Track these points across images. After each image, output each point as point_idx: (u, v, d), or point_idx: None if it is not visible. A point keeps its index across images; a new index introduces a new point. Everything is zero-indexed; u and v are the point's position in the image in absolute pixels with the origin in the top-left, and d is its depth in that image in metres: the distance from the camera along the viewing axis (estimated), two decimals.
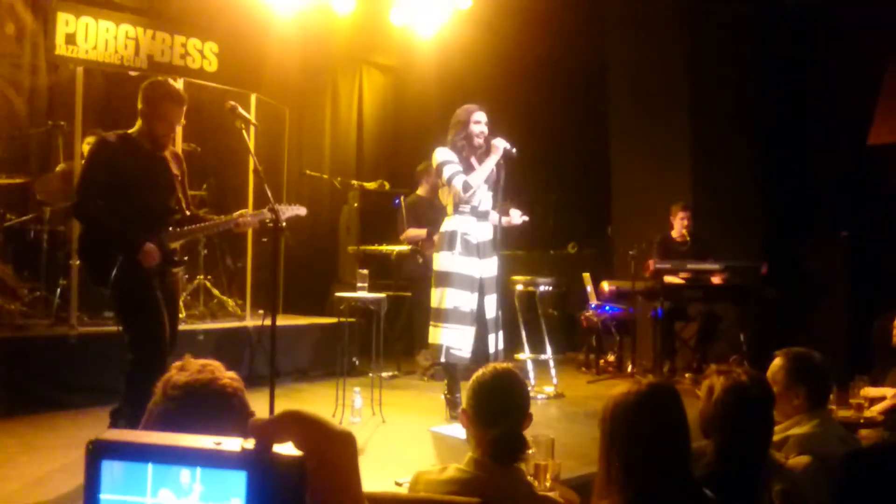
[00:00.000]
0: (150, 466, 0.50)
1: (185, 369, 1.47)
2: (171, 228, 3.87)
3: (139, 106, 3.79)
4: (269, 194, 3.77)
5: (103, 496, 0.51)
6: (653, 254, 6.50)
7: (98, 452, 0.51)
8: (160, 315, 3.73)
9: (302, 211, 4.08)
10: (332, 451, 0.54)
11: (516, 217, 4.89)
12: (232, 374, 1.52)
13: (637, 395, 1.79)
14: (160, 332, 3.71)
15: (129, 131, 3.82)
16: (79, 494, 3.25)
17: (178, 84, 5.74)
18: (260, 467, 0.50)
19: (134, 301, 3.75)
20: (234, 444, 0.51)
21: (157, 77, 3.88)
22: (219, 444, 0.51)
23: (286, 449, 0.52)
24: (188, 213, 4.05)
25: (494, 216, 4.76)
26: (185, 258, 4.19)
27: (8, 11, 6.19)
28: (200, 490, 0.50)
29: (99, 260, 3.76)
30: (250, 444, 0.51)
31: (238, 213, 4.05)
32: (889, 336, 4.49)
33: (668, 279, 6.32)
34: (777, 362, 2.73)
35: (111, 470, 0.51)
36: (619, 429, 1.78)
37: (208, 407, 1.41)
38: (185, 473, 0.50)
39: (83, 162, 3.82)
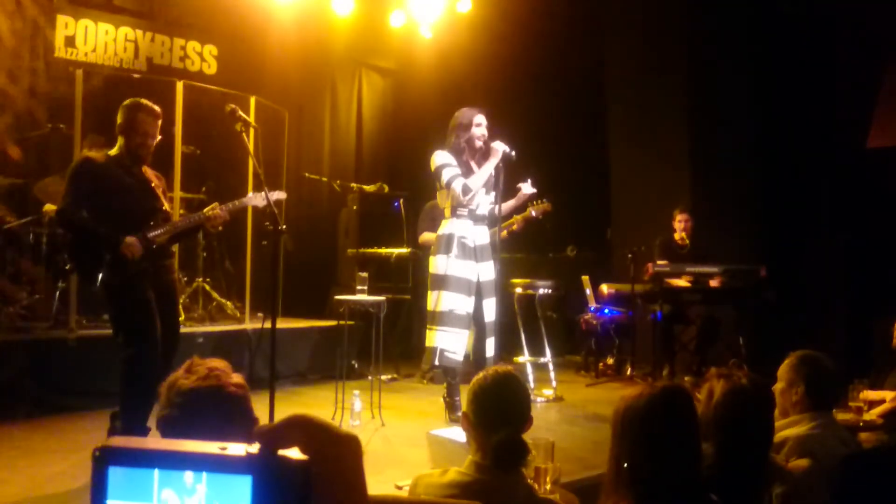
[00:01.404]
0: (156, 472, 0.51)
1: (193, 372, 1.46)
2: (151, 224, 3.94)
3: (118, 122, 3.93)
4: (269, 196, 3.79)
5: (110, 502, 0.51)
6: (654, 256, 6.50)
7: (105, 459, 0.51)
8: (150, 314, 3.77)
9: (282, 195, 4.17)
10: (338, 455, 0.54)
11: (527, 188, 4.88)
12: (238, 378, 1.52)
13: (650, 398, 1.78)
14: (150, 331, 3.74)
15: (111, 152, 3.96)
16: (77, 497, 3.25)
17: (178, 86, 5.79)
18: (265, 471, 0.50)
19: (123, 300, 3.81)
20: (239, 448, 0.51)
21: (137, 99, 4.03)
22: (224, 448, 0.51)
23: (292, 453, 0.52)
24: (172, 216, 4.17)
25: (495, 209, 4.73)
26: (173, 249, 4.24)
27: (7, 14, 6.20)
28: (204, 491, 0.50)
29: (87, 260, 3.83)
30: (255, 448, 0.51)
31: (209, 207, 4.11)
32: (889, 339, 4.49)
33: (672, 282, 6.32)
34: (787, 360, 2.79)
35: (117, 476, 0.51)
36: (630, 430, 1.77)
37: (212, 414, 1.41)
38: (188, 475, 0.50)
39: (67, 174, 3.94)
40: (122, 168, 3.93)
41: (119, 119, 3.93)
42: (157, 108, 3.98)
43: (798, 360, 2.75)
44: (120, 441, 0.52)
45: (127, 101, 3.97)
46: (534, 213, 5.34)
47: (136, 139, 3.91)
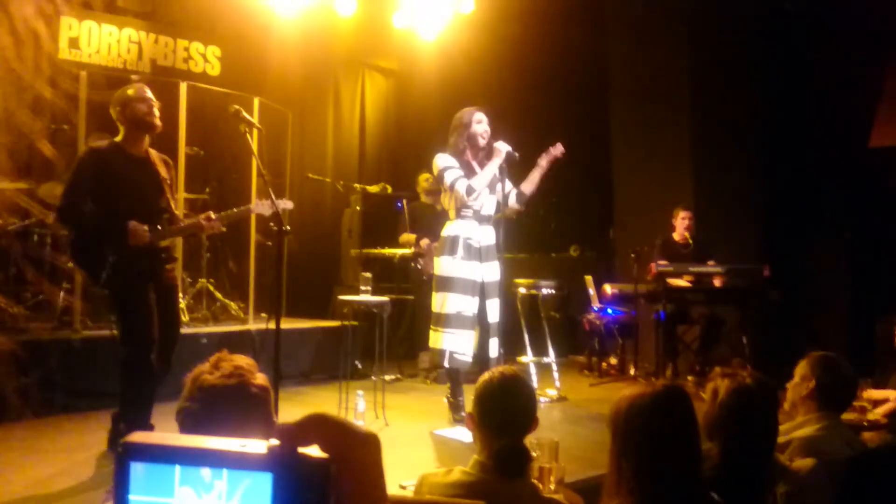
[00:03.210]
0: (177, 468, 0.51)
1: (218, 368, 1.47)
2: (159, 227, 3.94)
3: (114, 117, 3.92)
4: (273, 197, 3.79)
5: (132, 497, 0.51)
6: (654, 256, 6.50)
7: (127, 454, 0.51)
8: (148, 315, 3.79)
9: (288, 205, 4.13)
10: (358, 454, 0.55)
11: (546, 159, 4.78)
12: (262, 379, 1.53)
13: (651, 397, 1.79)
14: (147, 332, 3.76)
15: (116, 139, 3.93)
16: (80, 496, 3.26)
17: (182, 87, 5.80)
18: (286, 469, 0.51)
19: (123, 300, 3.82)
20: (259, 446, 0.52)
21: None
22: (244, 446, 0.52)
23: (312, 451, 0.52)
24: (177, 213, 4.17)
25: (513, 198, 4.73)
26: (176, 257, 4.26)
27: (10, 16, 6.20)
28: (223, 488, 0.51)
29: (90, 261, 3.84)
30: (275, 444, 0.52)
31: (203, 214, 4.11)
32: (891, 338, 4.49)
33: (673, 282, 6.32)
34: (805, 357, 2.84)
35: (139, 472, 0.51)
36: (630, 430, 1.77)
37: (232, 413, 1.42)
38: (206, 472, 0.51)
39: (72, 167, 3.94)
40: (128, 158, 3.89)
41: (114, 113, 3.90)
42: (139, 83, 3.99)
43: (815, 359, 2.77)
44: (142, 437, 0.52)
45: (118, 93, 3.96)
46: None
47: (139, 110, 3.86)
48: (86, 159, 3.86)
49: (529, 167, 4.87)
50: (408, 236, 6.54)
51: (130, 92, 3.89)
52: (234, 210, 4.26)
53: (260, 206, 4.06)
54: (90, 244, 3.81)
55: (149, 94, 3.93)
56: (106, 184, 3.79)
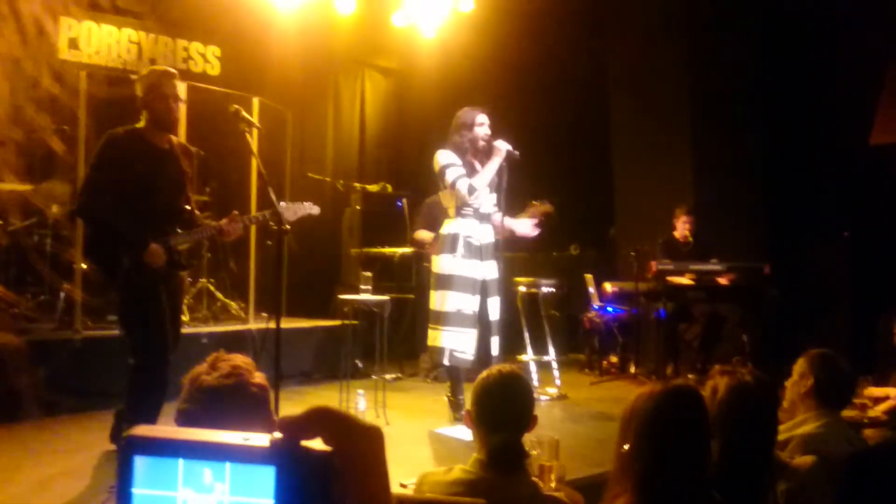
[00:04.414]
0: (180, 462, 0.51)
1: (216, 369, 1.47)
2: (178, 230, 3.86)
3: (139, 95, 3.80)
4: (273, 197, 3.78)
5: (135, 490, 0.52)
6: (656, 255, 6.51)
7: (131, 448, 0.52)
8: (163, 323, 3.71)
9: (315, 210, 4.02)
10: (361, 447, 0.55)
11: (525, 227, 4.95)
12: (260, 378, 1.52)
13: (662, 396, 1.79)
14: (163, 340, 3.69)
15: (137, 126, 3.81)
16: (82, 497, 3.26)
17: (181, 87, 5.79)
18: (289, 462, 0.51)
19: (138, 308, 3.72)
20: (262, 439, 0.52)
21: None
22: (247, 439, 0.52)
23: (315, 444, 0.53)
24: (196, 213, 4.08)
25: (498, 217, 4.77)
26: (194, 262, 4.20)
27: (9, 16, 6.19)
28: (224, 487, 0.51)
29: (105, 261, 3.76)
30: (278, 437, 0.52)
31: (225, 219, 4.02)
32: (892, 335, 4.49)
33: (675, 280, 6.32)
34: (803, 355, 2.84)
35: (143, 465, 0.52)
36: (640, 428, 1.78)
37: (231, 413, 1.42)
38: (207, 472, 0.51)
39: (92, 159, 3.81)
40: (150, 148, 3.77)
41: (140, 91, 3.79)
42: (172, 69, 3.92)
43: (813, 357, 2.78)
44: (146, 430, 0.52)
45: (145, 71, 3.89)
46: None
47: (161, 106, 3.77)
48: (105, 150, 3.71)
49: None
50: (422, 234, 6.39)
51: (154, 81, 3.78)
52: (258, 214, 4.19)
53: (284, 211, 3.85)
54: (107, 244, 3.71)
55: (175, 89, 3.82)
56: (125, 179, 3.66)
